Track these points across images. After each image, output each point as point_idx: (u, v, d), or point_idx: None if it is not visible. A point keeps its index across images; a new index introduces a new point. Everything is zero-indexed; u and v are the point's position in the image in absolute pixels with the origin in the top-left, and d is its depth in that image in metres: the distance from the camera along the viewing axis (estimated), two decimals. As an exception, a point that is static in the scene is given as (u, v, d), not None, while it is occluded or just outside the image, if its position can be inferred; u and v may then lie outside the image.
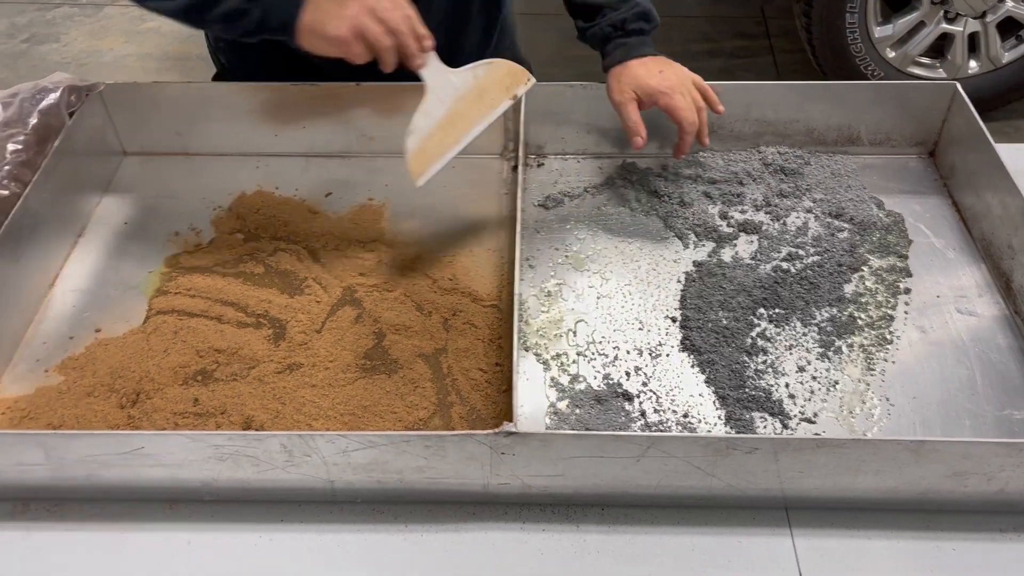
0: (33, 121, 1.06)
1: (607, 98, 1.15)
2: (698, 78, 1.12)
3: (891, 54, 2.41)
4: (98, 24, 3.21)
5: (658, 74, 1.08)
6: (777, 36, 2.99)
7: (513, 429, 0.76)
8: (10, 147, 1.02)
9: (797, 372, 0.94)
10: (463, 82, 0.98)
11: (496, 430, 0.76)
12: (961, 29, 2.36)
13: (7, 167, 1.00)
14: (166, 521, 0.83)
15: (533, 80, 1.02)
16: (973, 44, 2.39)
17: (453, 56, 1.18)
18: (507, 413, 0.88)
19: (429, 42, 0.96)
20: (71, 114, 1.11)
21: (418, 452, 0.78)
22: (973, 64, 2.42)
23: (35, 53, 3.07)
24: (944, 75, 2.42)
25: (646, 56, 1.10)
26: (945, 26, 2.36)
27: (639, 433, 0.82)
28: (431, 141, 0.97)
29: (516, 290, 0.91)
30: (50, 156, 1.04)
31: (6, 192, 0.99)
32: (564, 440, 0.77)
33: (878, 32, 2.37)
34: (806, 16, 2.37)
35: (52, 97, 1.09)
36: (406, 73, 1.17)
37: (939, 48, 2.43)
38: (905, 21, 2.36)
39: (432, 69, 0.97)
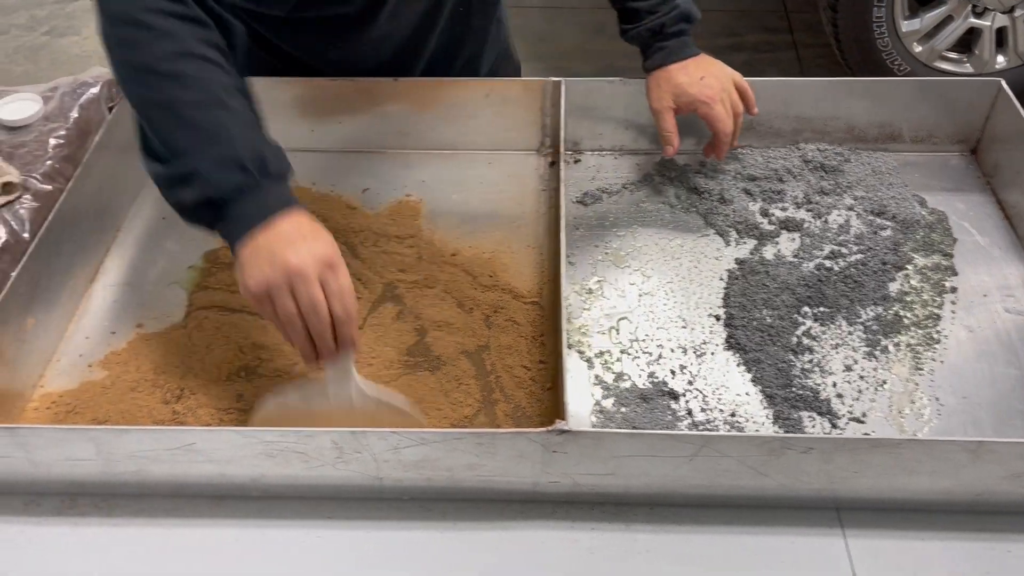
0: (74, 115, 1.06)
1: (642, 95, 1.14)
2: (739, 77, 1.11)
3: (918, 48, 2.39)
4: (118, 17, 3.21)
5: (699, 81, 1.07)
6: (800, 30, 2.97)
7: (565, 427, 0.75)
8: (52, 141, 1.02)
9: (844, 371, 0.93)
10: (362, 402, 0.82)
11: (548, 428, 0.75)
12: (989, 23, 2.34)
13: (49, 162, 1.00)
14: (213, 517, 0.83)
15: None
16: (1001, 39, 2.37)
17: (455, 52, 1.17)
18: (552, 411, 0.87)
19: (350, 347, 0.79)
20: (110, 109, 1.11)
21: (469, 449, 0.77)
22: (1001, 59, 2.40)
23: (56, 46, 3.08)
24: (971, 70, 2.40)
25: (687, 59, 1.09)
26: (973, 20, 2.34)
27: (693, 432, 0.82)
28: (287, 420, 0.82)
29: (563, 289, 0.90)
30: (91, 151, 1.04)
31: (49, 187, 0.99)
32: (617, 439, 0.76)
33: (905, 26, 2.35)
34: (832, 10, 2.35)
35: (92, 92, 1.09)
36: (439, 69, 1.18)
37: (966, 43, 2.40)
38: (933, 15, 2.34)
39: (340, 369, 0.81)
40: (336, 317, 0.76)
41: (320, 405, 0.83)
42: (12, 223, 0.94)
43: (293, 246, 0.75)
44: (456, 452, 0.78)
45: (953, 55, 2.43)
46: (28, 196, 0.97)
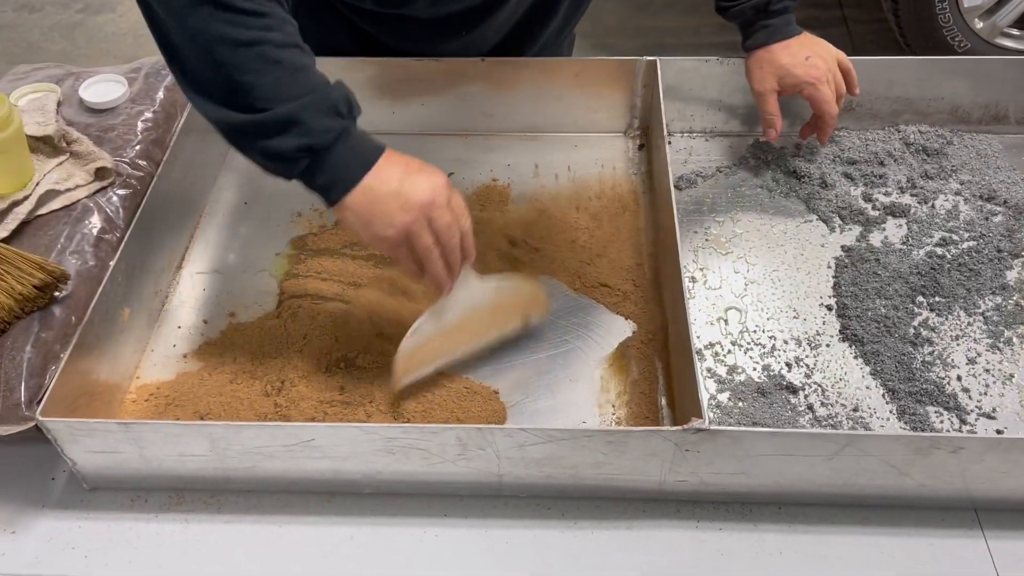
0: (160, 97, 1.03)
1: (738, 75, 1.10)
2: (843, 56, 1.07)
3: (979, 25, 2.32)
4: (153, -6, 3.17)
5: (804, 61, 1.03)
6: (850, 6, 2.89)
7: (703, 425, 0.72)
8: (140, 125, 0.99)
9: (968, 364, 0.90)
10: (483, 294, 0.87)
11: (685, 426, 0.72)
12: (1054, -1, 2.27)
13: (139, 146, 0.97)
14: (326, 514, 0.81)
15: (550, 312, 0.93)
16: (1065, 15, 2.30)
17: (539, 26, 1.12)
18: (648, 405, 0.84)
19: (471, 258, 0.83)
20: (193, 90, 1.07)
21: (598, 447, 0.74)
22: (1064, 36, 2.33)
23: (91, 23, 3.04)
24: (1034, 47, 2.33)
25: (790, 38, 1.04)
26: (1037, -4, 2.28)
27: (836, 431, 0.79)
28: (427, 347, 0.86)
29: (683, 283, 0.86)
30: (176, 135, 1.01)
31: (140, 172, 0.96)
32: (755, 438, 0.73)
33: (967, 2, 2.28)
34: (893, -14, 2.29)
35: (175, 72, 1.05)
36: (508, 50, 1.13)
37: (1029, 19, 2.34)
38: (996, -9, 2.28)
39: (463, 279, 0.84)
40: (463, 233, 0.79)
41: (451, 319, 0.86)
42: (107, 210, 0.91)
43: (413, 183, 0.75)
44: (584, 450, 0.75)
45: (1015, 31, 2.36)
46: (120, 181, 0.94)
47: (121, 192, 0.93)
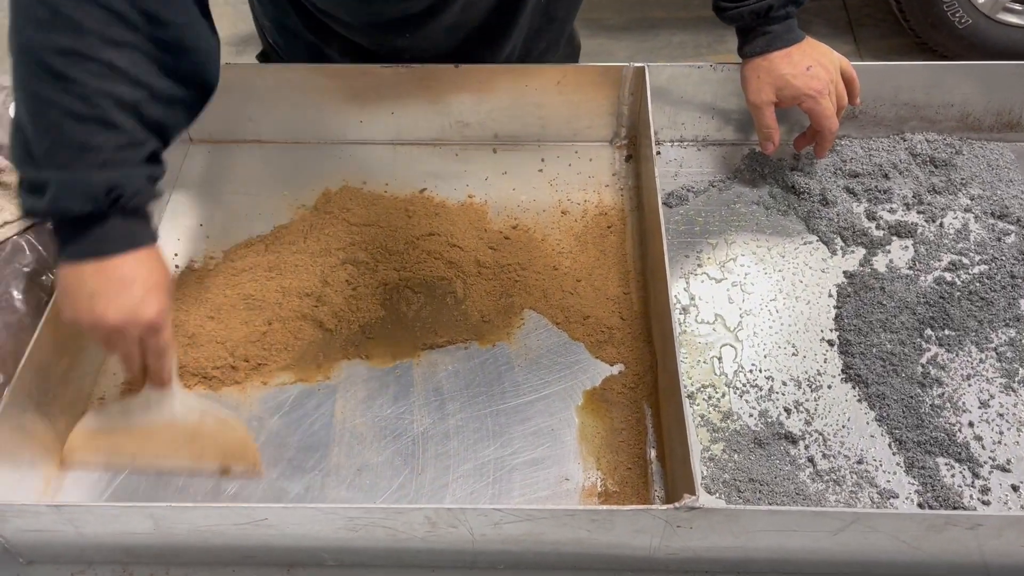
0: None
1: (732, 81, 1.02)
2: (846, 63, 0.98)
3: (980, 0, 2.23)
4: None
5: (805, 71, 0.94)
6: (845, -22, 2.79)
7: (696, 504, 0.65)
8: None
9: (980, 408, 0.83)
10: (183, 414, 0.78)
11: (677, 504, 0.65)
12: (1058, -28, 2.18)
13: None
14: (285, 588, 0.74)
15: (258, 472, 0.79)
16: (1070, -11, 2.21)
17: (533, 44, 1.04)
18: (648, 463, 0.78)
19: (165, 387, 0.76)
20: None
21: (581, 525, 0.68)
22: (1068, 11, 2.24)
23: None
24: (1036, 23, 2.24)
25: (791, 45, 0.95)
26: (1041, -31, 2.18)
27: (842, 509, 0.72)
28: (108, 439, 0.79)
29: (674, 318, 0.79)
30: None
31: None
32: (753, 516, 0.66)
33: (969, -24, 2.19)
34: (892, -41, 2.19)
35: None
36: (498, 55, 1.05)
37: (1032, -7, 2.24)
38: (999, -36, 2.18)
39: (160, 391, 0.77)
40: (151, 370, 0.74)
41: (140, 422, 0.78)
42: (39, 248, 0.82)
43: (117, 299, 0.69)
44: (566, 528, 0.68)
45: (1017, 7, 2.26)
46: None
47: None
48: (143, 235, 0.72)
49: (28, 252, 0.82)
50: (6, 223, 0.82)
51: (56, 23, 0.65)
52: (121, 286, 0.69)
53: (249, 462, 0.79)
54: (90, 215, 0.68)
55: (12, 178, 0.84)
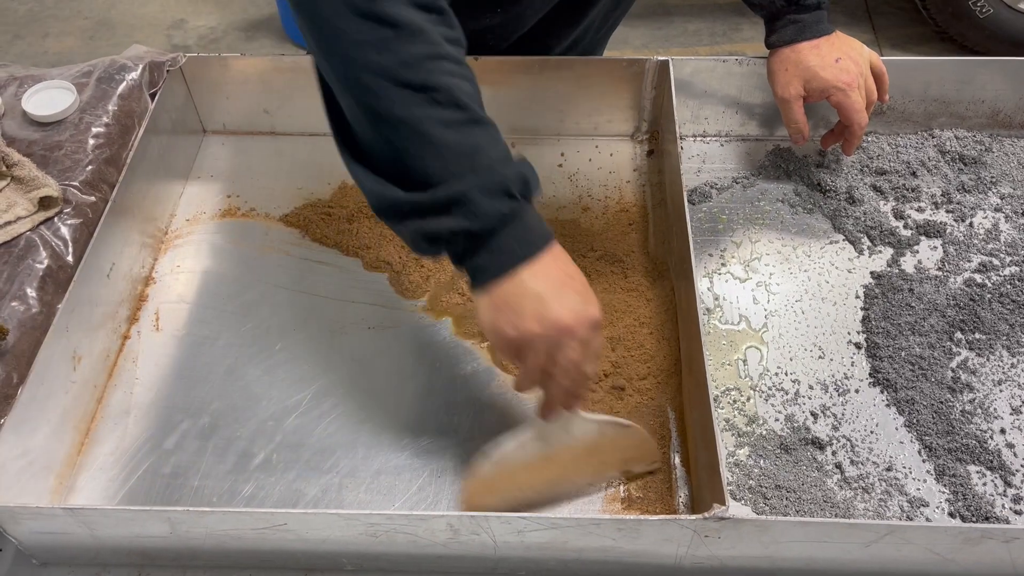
0: (113, 108, 0.92)
1: (758, 75, 1.00)
2: (876, 57, 0.96)
3: (1003, -11, 2.19)
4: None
5: (834, 64, 0.92)
6: (863, -33, 2.74)
7: (726, 514, 0.64)
8: (91, 141, 0.88)
9: (1012, 414, 0.81)
10: (582, 431, 0.73)
11: (706, 514, 0.64)
12: (1083, -39, 2.14)
13: (90, 167, 0.87)
14: (303, 593, 0.73)
15: (657, 465, 0.78)
16: (1094, -22, 2.17)
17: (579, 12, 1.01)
18: (672, 468, 0.76)
19: (574, 408, 0.71)
20: (152, 95, 0.96)
21: (607, 534, 0.66)
22: (1092, 1, 2.20)
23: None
24: (1059, 13, 2.21)
25: (820, 36, 0.93)
26: (1066, -42, 2.14)
27: (876, 521, 0.70)
28: (507, 479, 0.74)
29: (699, 319, 0.77)
30: (134, 151, 0.90)
31: (92, 198, 0.85)
32: (784, 527, 0.65)
33: (991, -36, 2.15)
34: (913, -54, 2.15)
35: (132, 77, 0.94)
36: (522, 48, 1.02)
37: (1055, -17, 2.20)
38: (1022, -48, 2.14)
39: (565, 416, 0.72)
40: (580, 379, 0.67)
41: (536, 452, 0.73)
42: (54, 244, 0.81)
43: (563, 297, 0.63)
44: (591, 536, 0.67)
45: (1040, -5, 2.23)
46: (69, 210, 0.83)
47: (71, 222, 0.83)
48: (549, 228, 0.66)
49: (42, 249, 0.80)
50: (19, 219, 0.81)
51: (400, 36, 0.61)
52: (561, 284, 0.64)
53: (649, 460, 0.77)
54: (503, 217, 0.63)
55: (24, 172, 0.83)
